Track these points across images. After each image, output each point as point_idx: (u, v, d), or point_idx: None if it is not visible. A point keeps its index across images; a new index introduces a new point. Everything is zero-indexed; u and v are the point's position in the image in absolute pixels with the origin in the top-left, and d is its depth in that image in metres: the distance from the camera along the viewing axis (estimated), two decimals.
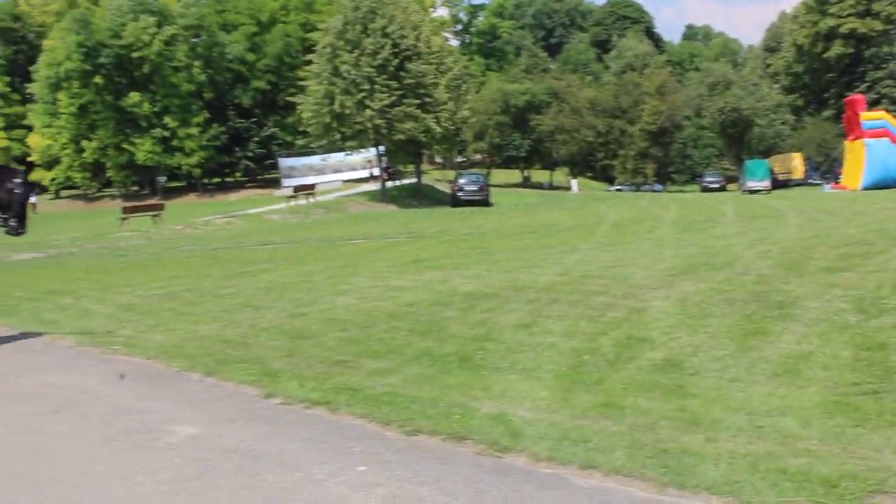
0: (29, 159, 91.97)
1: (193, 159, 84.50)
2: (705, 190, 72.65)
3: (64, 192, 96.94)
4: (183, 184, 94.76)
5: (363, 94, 52.15)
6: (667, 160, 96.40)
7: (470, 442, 5.67)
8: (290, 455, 5.64)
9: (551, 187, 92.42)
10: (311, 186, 56.03)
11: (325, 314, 11.07)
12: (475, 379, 7.24)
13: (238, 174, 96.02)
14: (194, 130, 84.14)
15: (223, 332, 10.26)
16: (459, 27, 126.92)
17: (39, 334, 11.18)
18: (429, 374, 7.55)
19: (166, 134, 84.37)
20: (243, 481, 5.22)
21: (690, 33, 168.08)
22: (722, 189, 72.36)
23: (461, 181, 55.13)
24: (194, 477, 5.36)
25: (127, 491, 5.23)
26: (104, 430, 6.56)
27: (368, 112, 51.97)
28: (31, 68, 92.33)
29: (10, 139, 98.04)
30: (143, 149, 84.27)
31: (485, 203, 51.66)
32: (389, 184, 59.90)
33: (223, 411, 6.82)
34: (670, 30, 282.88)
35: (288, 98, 75.03)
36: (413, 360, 8.08)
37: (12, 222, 10.82)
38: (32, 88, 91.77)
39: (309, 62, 58.10)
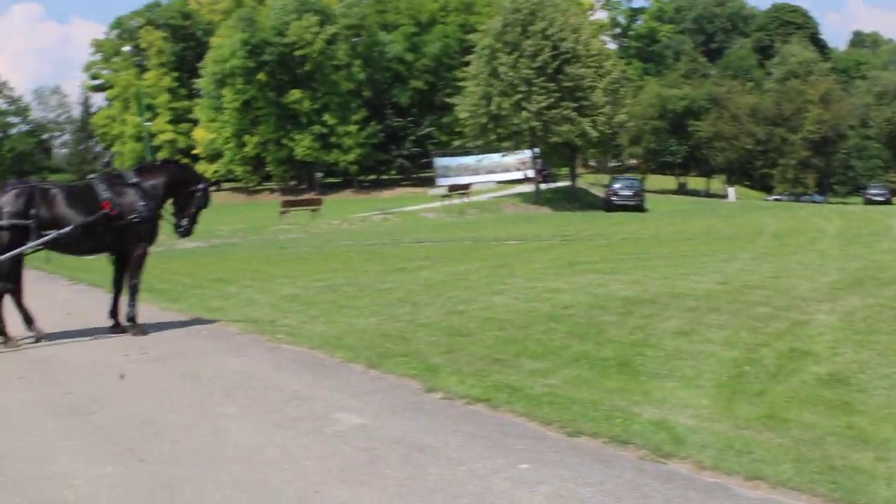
0: (194, 152, 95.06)
1: (350, 156, 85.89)
2: (869, 202, 70.14)
3: (225, 185, 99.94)
4: (339, 180, 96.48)
5: (520, 95, 52.21)
6: (829, 170, 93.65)
7: (632, 446, 5.67)
8: (454, 449, 5.74)
9: (707, 195, 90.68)
10: (466, 186, 56.41)
11: (482, 313, 11.17)
12: (634, 384, 7.23)
13: (393, 172, 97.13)
14: (352, 128, 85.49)
15: (383, 326, 10.45)
16: (618, 30, 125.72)
17: (210, 321, 11.61)
18: (587, 376, 7.56)
19: (325, 131, 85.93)
20: (409, 472, 5.34)
21: (857, 40, 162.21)
22: (887, 202, 69.73)
23: (616, 186, 54.71)
24: (362, 465, 5.51)
25: (296, 474, 5.41)
26: (274, 415, 6.79)
27: (525, 114, 52.03)
28: (198, 65, 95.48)
29: (177, 132, 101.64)
30: (303, 145, 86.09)
31: (639, 208, 51.14)
32: (543, 186, 59.74)
33: (387, 403, 6.97)
34: (836, 36, 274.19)
35: (445, 98, 75.73)
36: (571, 363, 8.10)
37: (184, 222, 11.36)
38: (199, 84, 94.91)
39: (467, 63, 58.42)
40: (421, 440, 5.95)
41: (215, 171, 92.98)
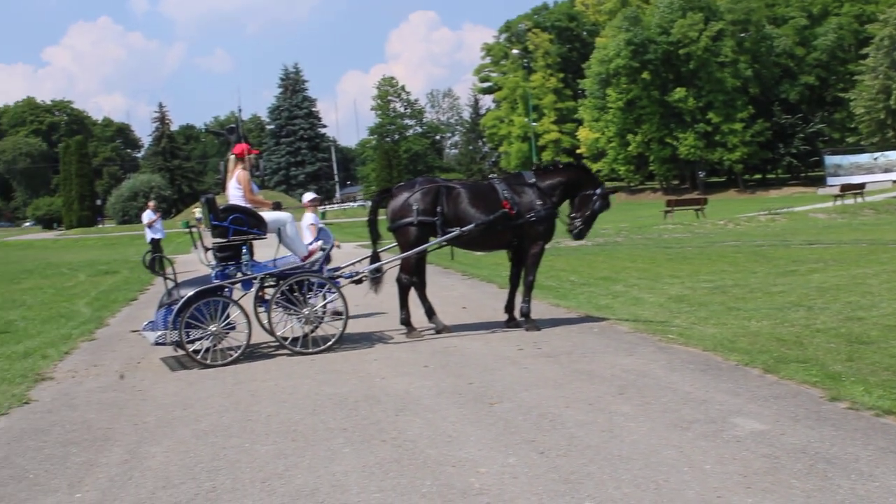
0: (577, 151, 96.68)
1: (735, 155, 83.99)
2: None
3: (608, 184, 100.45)
4: (722, 179, 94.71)
5: None
6: None
7: None
8: (864, 463, 5.43)
9: None
10: (861, 186, 53.50)
11: (885, 320, 10.58)
12: None
13: (780, 171, 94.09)
14: (738, 126, 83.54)
15: (776, 330, 10.13)
16: None
17: (599, 319, 11.77)
18: None
19: (709, 129, 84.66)
20: (815, 483, 5.12)
21: None
22: None
23: None
24: (763, 472, 5.35)
25: (694, 477, 5.34)
26: (668, 415, 6.75)
27: None
28: (583, 65, 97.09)
29: (561, 132, 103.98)
30: (686, 143, 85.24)
31: None
32: None
33: (786, 410, 6.72)
34: None
35: (837, 93, 72.39)
36: None
37: (578, 222, 11.59)
38: (583, 84, 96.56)
39: (863, 56, 55.64)
40: (827, 451, 5.69)
41: (598, 171, 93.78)
